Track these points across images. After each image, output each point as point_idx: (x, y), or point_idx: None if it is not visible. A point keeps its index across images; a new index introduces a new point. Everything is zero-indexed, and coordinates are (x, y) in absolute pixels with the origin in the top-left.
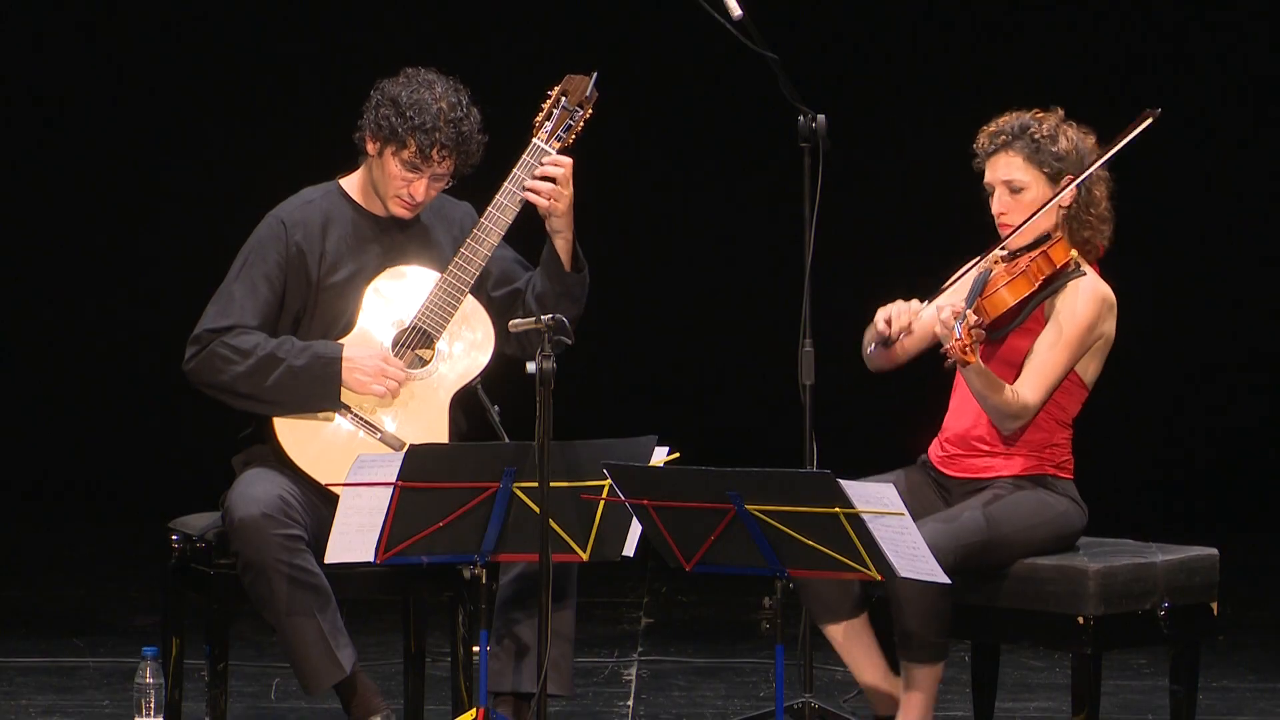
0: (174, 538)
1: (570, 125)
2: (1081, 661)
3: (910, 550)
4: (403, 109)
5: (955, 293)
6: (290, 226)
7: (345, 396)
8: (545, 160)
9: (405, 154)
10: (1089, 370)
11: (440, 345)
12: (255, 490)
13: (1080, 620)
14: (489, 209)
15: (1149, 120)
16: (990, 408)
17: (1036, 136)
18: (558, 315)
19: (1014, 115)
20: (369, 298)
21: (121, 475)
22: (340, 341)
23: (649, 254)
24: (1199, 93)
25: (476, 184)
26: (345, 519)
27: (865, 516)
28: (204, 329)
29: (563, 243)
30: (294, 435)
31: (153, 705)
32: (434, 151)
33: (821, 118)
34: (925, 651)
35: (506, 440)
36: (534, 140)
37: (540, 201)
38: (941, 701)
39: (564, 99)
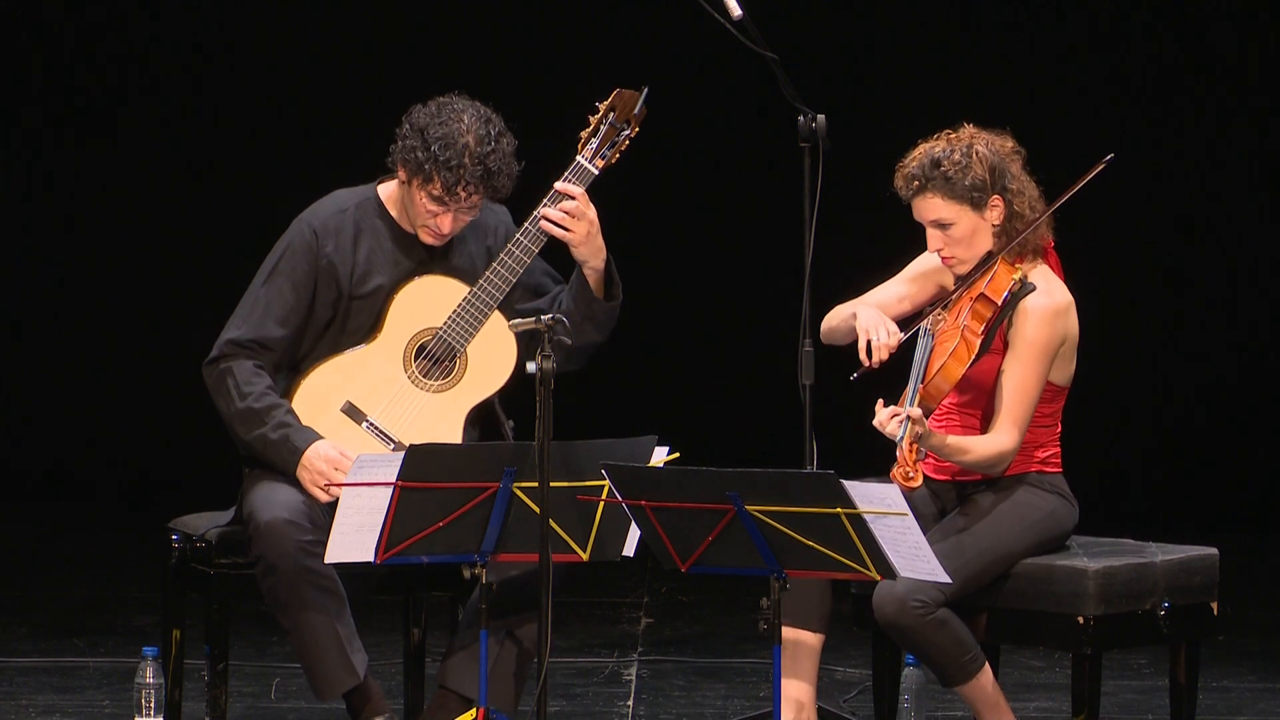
0: (174, 538)
1: (615, 143)
2: (1081, 661)
3: (912, 550)
4: (429, 144)
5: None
6: (322, 236)
7: (363, 404)
8: (558, 189)
9: (431, 189)
10: (1063, 374)
11: (462, 359)
12: (279, 495)
13: (1080, 620)
14: (525, 225)
15: (1102, 166)
16: (970, 466)
17: (950, 173)
18: (557, 315)
19: (924, 148)
20: (396, 306)
21: (123, 475)
22: (318, 439)
23: (649, 253)
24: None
25: (518, 198)
26: (345, 519)
27: (867, 517)
28: (228, 338)
29: (591, 272)
30: None
31: (153, 705)
32: (459, 188)
33: (821, 118)
34: (959, 674)
35: None
36: (578, 158)
37: (557, 232)
38: (941, 702)
39: (611, 115)
